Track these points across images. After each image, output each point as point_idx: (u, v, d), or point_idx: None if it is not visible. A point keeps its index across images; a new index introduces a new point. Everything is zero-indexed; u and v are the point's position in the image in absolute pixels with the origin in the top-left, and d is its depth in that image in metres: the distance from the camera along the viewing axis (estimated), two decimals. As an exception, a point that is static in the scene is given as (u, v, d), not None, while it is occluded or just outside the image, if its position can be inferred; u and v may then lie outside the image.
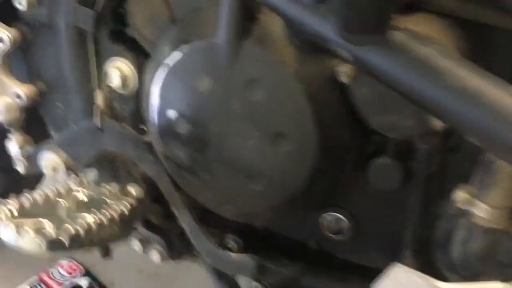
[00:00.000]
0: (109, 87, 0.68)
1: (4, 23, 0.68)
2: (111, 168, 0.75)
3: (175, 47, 0.55)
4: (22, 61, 0.73)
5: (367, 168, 0.55)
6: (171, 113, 0.57)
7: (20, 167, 0.77)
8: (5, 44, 0.68)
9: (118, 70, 0.67)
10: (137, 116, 0.71)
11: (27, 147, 0.76)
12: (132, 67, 0.68)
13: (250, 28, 0.50)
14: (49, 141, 0.74)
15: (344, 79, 0.48)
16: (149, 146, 0.68)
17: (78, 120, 0.72)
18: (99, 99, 0.68)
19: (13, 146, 0.76)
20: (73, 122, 0.73)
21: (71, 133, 0.71)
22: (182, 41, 0.55)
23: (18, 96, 0.71)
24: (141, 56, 0.69)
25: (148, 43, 0.66)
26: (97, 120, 0.69)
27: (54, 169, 0.73)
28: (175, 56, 0.55)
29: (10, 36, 0.68)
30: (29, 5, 0.66)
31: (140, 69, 0.68)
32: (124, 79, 0.67)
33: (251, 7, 0.49)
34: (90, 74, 0.69)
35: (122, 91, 0.69)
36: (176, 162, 0.60)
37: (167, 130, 0.59)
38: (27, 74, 0.74)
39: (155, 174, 0.68)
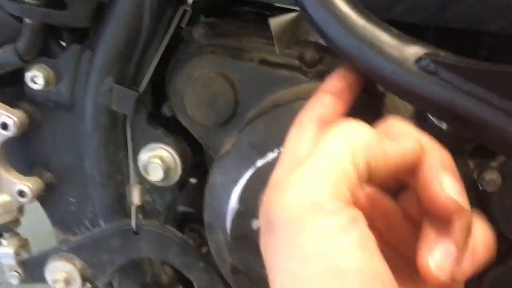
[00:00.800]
0: (146, 180, 0.59)
1: (8, 103, 0.57)
2: (136, 273, 0.65)
3: (265, 145, 0.48)
4: (21, 148, 0.62)
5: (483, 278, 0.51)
6: (257, 222, 0.50)
7: (14, 279, 0.64)
8: (9, 130, 0.56)
9: (160, 161, 0.58)
10: (174, 211, 0.63)
11: (24, 253, 0.64)
12: (175, 155, 0.59)
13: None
14: (57, 247, 0.63)
15: (489, 187, 0.45)
16: (198, 251, 0.59)
17: (99, 220, 0.61)
18: (135, 195, 0.58)
19: (5, 252, 0.63)
20: (91, 222, 0.62)
21: (93, 237, 0.60)
22: (274, 141, 0.48)
23: (22, 194, 0.59)
24: (182, 142, 0.61)
25: (200, 128, 0.57)
26: (131, 221, 0.59)
27: (67, 282, 0.61)
28: (269, 157, 0.48)
29: (16, 120, 0.56)
30: (47, 83, 0.56)
31: (182, 156, 0.60)
32: (167, 171, 0.58)
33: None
34: (120, 164, 0.59)
35: (161, 184, 0.60)
36: (254, 276, 0.52)
37: (246, 241, 0.51)
38: (26, 163, 0.62)
39: (207, 284, 0.59)
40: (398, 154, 0.33)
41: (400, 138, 0.34)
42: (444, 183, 0.33)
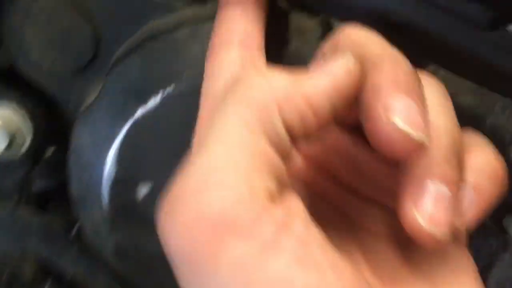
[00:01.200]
0: (-16, 152, 0.46)
1: None
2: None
3: (144, 88, 0.38)
4: None
5: None
6: (143, 187, 0.40)
7: None
8: None
9: (1, 124, 0.45)
10: (30, 188, 0.50)
11: None
12: (21, 115, 0.46)
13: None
14: None
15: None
16: (67, 235, 0.48)
17: None
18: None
19: None
20: None
21: None
22: (156, 81, 0.38)
23: None
24: (29, 98, 0.48)
25: (51, 78, 0.45)
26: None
27: None
28: (149, 104, 0.38)
29: None
30: None
31: (32, 117, 0.47)
32: (12, 138, 0.45)
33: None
34: None
35: (7, 155, 0.47)
36: (144, 255, 0.43)
37: (131, 212, 0.41)
38: None
39: (84, 274, 0.48)
40: (328, 89, 0.24)
41: (331, 61, 0.25)
42: (392, 108, 0.23)
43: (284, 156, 0.23)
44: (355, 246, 0.27)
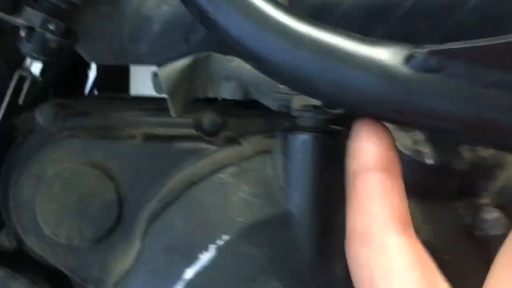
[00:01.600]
0: None
1: None
2: None
3: (190, 245, 0.33)
4: None
5: None
6: None
7: None
8: None
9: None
10: None
11: None
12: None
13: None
14: None
15: (493, 230, 0.35)
16: None
17: None
18: None
19: None
20: None
21: None
22: (204, 234, 0.33)
23: None
24: (40, 283, 0.41)
25: (68, 252, 0.39)
26: None
27: None
28: (200, 262, 0.32)
29: None
30: None
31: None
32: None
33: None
34: None
35: None
36: None
37: None
38: None
39: None
40: None
41: None
42: None
43: None
44: None
